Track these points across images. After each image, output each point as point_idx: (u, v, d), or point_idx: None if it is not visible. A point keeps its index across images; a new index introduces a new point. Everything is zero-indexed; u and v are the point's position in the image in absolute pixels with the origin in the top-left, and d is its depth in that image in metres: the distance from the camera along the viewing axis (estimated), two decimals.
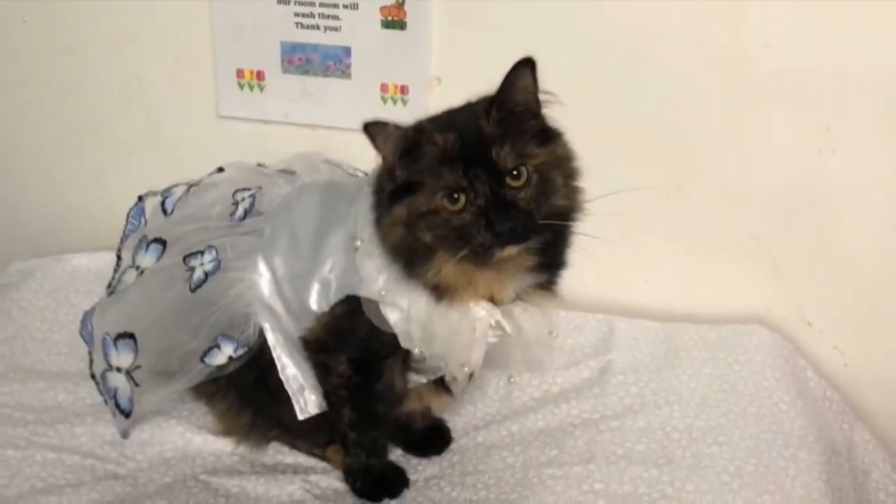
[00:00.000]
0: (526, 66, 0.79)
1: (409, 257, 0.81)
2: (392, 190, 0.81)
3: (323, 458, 0.99)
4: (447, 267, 0.79)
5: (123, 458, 0.98)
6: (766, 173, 1.12)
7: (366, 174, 1.00)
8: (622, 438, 0.97)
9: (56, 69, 1.27)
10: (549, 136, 0.81)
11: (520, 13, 1.10)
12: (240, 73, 1.20)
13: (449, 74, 1.14)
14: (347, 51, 1.16)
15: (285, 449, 1.01)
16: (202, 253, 0.93)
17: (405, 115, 1.12)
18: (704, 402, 1.02)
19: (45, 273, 1.28)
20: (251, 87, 1.20)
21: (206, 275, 0.92)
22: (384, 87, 1.16)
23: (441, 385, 0.92)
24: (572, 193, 0.80)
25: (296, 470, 0.98)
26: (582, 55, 1.09)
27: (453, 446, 0.99)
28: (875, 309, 1.13)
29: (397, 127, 0.80)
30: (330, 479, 0.97)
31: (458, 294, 0.81)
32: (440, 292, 0.81)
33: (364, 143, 1.10)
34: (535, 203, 0.77)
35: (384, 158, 0.83)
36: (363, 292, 0.86)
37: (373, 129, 0.80)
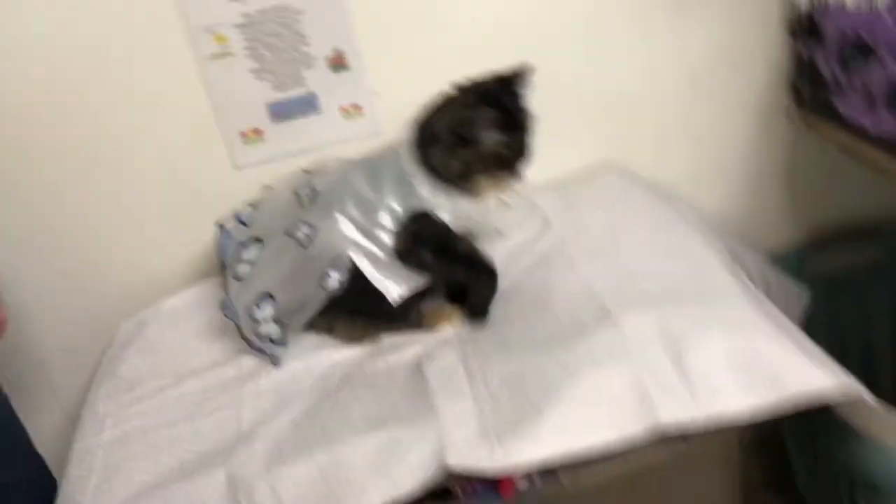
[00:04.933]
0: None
1: (460, 182, 1.17)
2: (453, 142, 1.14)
3: (420, 327, 1.23)
4: (483, 183, 1.17)
5: (299, 384, 1.17)
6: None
7: None
8: (583, 249, 1.29)
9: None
10: None
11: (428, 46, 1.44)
12: (243, 134, 1.45)
13: (384, 87, 1.44)
14: (313, 95, 1.43)
15: (396, 336, 1.24)
16: (299, 226, 1.20)
17: (362, 123, 1.46)
18: (608, 212, 1.38)
19: (154, 319, 1.41)
20: (253, 141, 1.45)
21: (308, 237, 1.20)
22: (344, 109, 1.45)
23: None
24: None
25: (407, 343, 1.21)
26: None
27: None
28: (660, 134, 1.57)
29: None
30: (433, 337, 1.21)
31: (482, 194, 1.18)
32: (473, 195, 1.18)
33: (342, 150, 1.40)
34: None
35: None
36: (425, 207, 1.17)
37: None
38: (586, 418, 1.01)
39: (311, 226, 1.21)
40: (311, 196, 1.26)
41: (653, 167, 1.56)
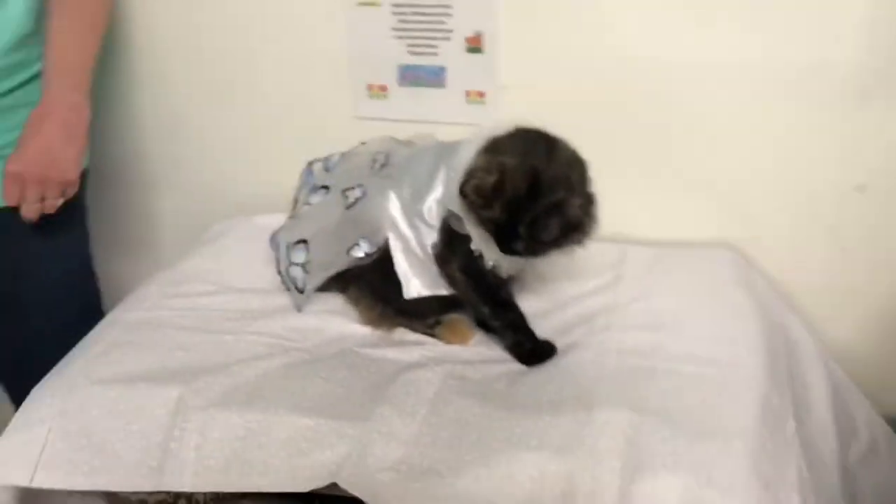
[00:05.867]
0: None
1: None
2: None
3: (433, 335, 1.19)
4: None
5: (303, 339, 1.18)
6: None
7: None
8: (628, 316, 1.18)
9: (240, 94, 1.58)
10: None
11: (561, 44, 1.35)
12: (370, 87, 1.47)
13: (513, 83, 1.38)
14: (443, 69, 1.41)
15: (408, 332, 1.21)
16: (354, 188, 1.20)
17: (483, 112, 1.41)
18: (683, 293, 1.22)
19: (240, 228, 1.49)
20: (378, 97, 1.47)
21: (356, 200, 1.19)
22: (468, 93, 1.41)
23: None
24: None
25: (415, 343, 1.19)
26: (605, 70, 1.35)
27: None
28: (800, 233, 1.35)
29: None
30: (437, 347, 1.17)
31: None
32: None
33: (453, 131, 1.37)
34: None
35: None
36: (454, 208, 1.09)
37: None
38: (506, 500, 0.91)
39: (364, 192, 1.20)
40: (382, 164, 1.23)
41: (782, 267, 1.35)
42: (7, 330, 1.41)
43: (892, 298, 1.33)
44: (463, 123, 1.40)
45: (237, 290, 1.33)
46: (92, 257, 1.52)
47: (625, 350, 1.10)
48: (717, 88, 1.29)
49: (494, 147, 1.08)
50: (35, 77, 1.30)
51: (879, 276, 1.33)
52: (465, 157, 1.12)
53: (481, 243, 1.09)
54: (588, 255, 1.30)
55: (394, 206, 1.17)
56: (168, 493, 1.06)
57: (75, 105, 1.25)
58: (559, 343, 1.16)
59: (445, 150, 1.19)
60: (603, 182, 1.30)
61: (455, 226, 1.11)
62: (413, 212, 1.16)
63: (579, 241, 1.07)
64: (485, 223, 1.05)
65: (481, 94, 1.40)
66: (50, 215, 1.25)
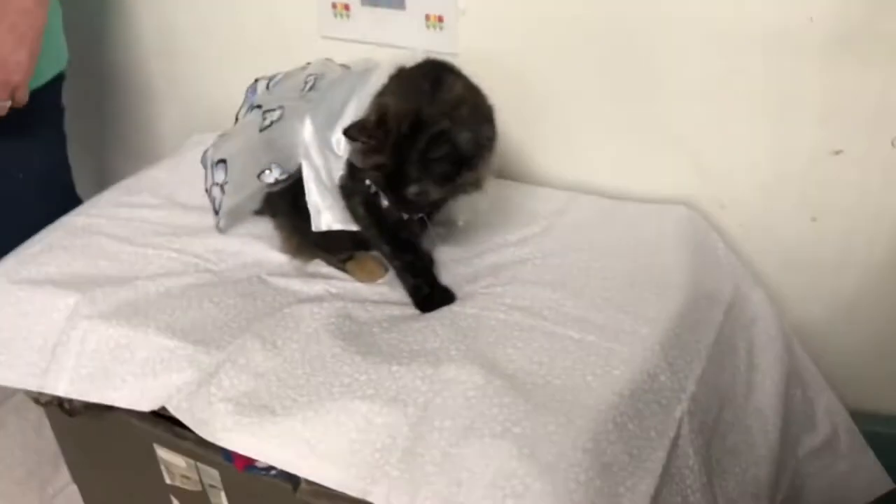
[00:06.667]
0: None
1: None
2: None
3: (343, 269, 1.16)
4: None
5: (218, 261, 1.18)
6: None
7: None
8: (538, 271, 1.09)
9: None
10: None
11: None
12: (334, 6, 1.40)
13: (472, 9, 1.29)
14: None
15: (323, 263, 1.18)
16: (274, 110, 1.15)
17: (441, 37, 1.33)
18: (610, 252, 1.11)
19: (206, 143, 1.32)
20: (342, 16, 1.40)
21: (272, 123, 1.13)
22: (428, 17, 1.32)
23: None
24: None
25: (324, 276, 1.15)
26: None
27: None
28: (770, 195, 1.20)
29: None
30: (345, 283, 1.14)
31: None
32: None
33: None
34: None
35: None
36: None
37: None
38: (327, 446, 0.88)
39: (282, 115, 1.14)
40: (311, 87, 1.17)
41: (747, 234, 1.22)
42: None
43: (866, 275, 1.17)
44: (423, 49, 1.31)
45: (180, 205, 1.33)
46: (68, 158, 1.55)
47: (515, 307, 1.02)
48: (688, 38, 1.15)
49: (390, 84, 1.02)
50: None
51: (853, 250, 1.16)
52: (374, 87, 1.06)
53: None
54: (531, 201, 1.24)
55: (308, 133, 1.12)
56: (54, 395, 1.09)
57: (25, 10, 1.25)
58: (461, 292, 1.09)
59: (361, 77, 1.13)
60: (561, 124, 1.22)
61: (356, 160, 1.06)
62: (324, 140, 1.11)
63: (474, 185, 0.99)
64: (373, 174, 0.99)
65: (440, 19, 1.31)
66: (24, 117, 1.28)
